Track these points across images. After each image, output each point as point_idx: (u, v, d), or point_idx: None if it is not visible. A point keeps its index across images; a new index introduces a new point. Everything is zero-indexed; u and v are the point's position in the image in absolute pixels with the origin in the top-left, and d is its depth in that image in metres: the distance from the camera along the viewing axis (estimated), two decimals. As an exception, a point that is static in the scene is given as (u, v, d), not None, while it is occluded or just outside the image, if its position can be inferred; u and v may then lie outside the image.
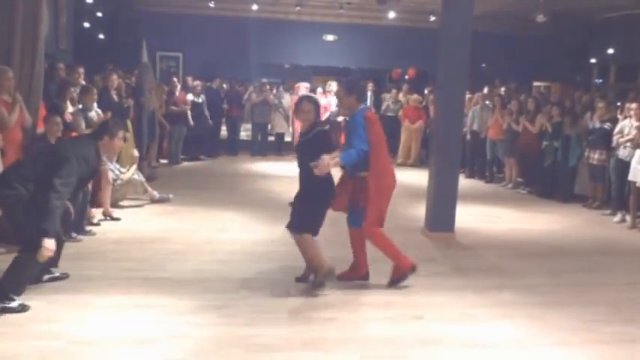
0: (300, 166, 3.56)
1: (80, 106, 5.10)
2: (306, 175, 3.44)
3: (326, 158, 3.27)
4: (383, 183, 3.49)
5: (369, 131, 3.39)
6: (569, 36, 10.68)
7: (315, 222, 3.49)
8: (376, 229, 3.52)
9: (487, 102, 8.48)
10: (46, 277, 3.43)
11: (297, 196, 3.59)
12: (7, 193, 2.99)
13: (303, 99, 3.73)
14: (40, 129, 4.52)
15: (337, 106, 9.89)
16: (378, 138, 3.46)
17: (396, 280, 3.61)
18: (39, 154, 3.37)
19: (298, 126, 10.14)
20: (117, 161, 5.70)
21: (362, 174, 3.50)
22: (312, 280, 3.55)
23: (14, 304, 3.02)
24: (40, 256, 2.89)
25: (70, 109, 5.01)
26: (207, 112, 9.10)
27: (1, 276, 3.05)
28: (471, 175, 8.61)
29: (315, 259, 3.48)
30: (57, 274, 3.50)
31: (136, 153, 6.01)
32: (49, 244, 2.88)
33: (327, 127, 10.53)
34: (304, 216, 3.48)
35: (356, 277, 3.70)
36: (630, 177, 5.66)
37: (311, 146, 3.45)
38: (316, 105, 3.57)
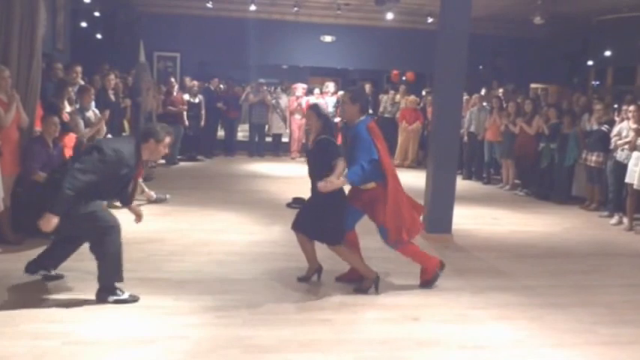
0: (310, 174, 3.56)
1: (77, 106, 5.08)
2: (315, 186, 3.44)
3: (332, 179, 3.26)
4: (395, 188, 3.44)
5: (375, 141, 3.37)
6: (567, 38, 10.71)
7: (339, 229, 3.48)
8: (404, 245, 3.53)
9: (484, 104, 8.50)
10: (42, 272, 3.42)
11: (312, 205, 3.55)
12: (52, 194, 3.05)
13: (308, 108, 3.77)
14: (37, 129, 4.49)
15: (335, 106, 10.03)
16: (382, 148, 3.43)
17: (428, 283, 3.65)
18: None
19: (296, 127, 10.20)
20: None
21: (369, 186, 3.45)
22: (356, 287, 3.56)
23: (125, 296, 3.18)
24: (42, 225, 2.92)
25: (68, 108, 4.99)
26: (203, 112, 9.08)
27: (98, 273, 3.16)
28: (468, 177, 8.63)
29: (360, 267, 3.54)
30: (52, 274, 3.48)
31: None
32: (50, 219, 2.90)
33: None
34: (332, 227, 3.44)
35: (355, 277, 3.68)
36: (627, 179, 5.68)
37: (315, 155, 3.47)
38: (319, 113, 3.54)
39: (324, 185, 3.24)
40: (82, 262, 3.87)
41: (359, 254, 3.65)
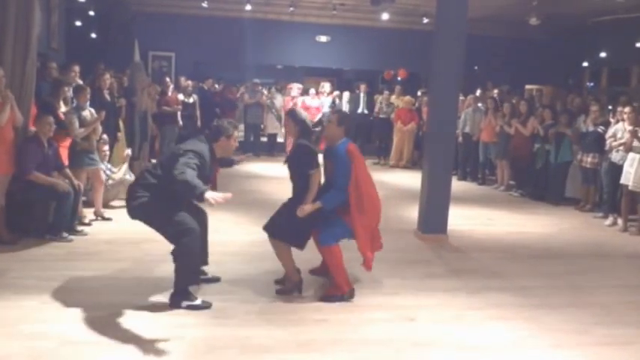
0: (290, 178, 3.57)
1: (74, 105, 5.04)
2: (295, 188, 3.49)
3: (307, 206, 3.28)
4: (365, 220, 3.37)
5: (353, 166, 3.35)
6: (562, 39, 10.78)
7: (296, 233, 3.41)
8: (333, 247, 3.39)
9: (479, 104, 8.53)
10: (201, 277, 3.46)
11: (286, 205, 3.54)
12: (133, 204, 3.15)
13: (285, 114, 3.73)
14: (32, 128, 4.45)
15: (330, 106, 10.03)
16: (362, 172, 3.41)
17: (328, 297, 3.41)
18: (159, 162, 3.40)
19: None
20: (108, 161, 5.65)
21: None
22: (280, 289, 3.51)
23: (198, 302, 3.17)
24: (211, 202, 2.80)
25: (63, 108, 4.95)
26: (198, 113, 9.05)
27: (174, 277, 3.14)
28: (463, 178, 8.66)
29: (288, 267, 3.48)
30: (209, 277, 3.54)
31: (128, 152, 5.96)
32: (209, 195, 2.80)
33: (319, 128, 10.54)
34: (286, 224, 3.41)
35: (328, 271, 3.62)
36: (622, 180, 5.72)
37: (292, 160, 3.48)
38: (295, 118, 3.48)
39: (300, 211, 3.28)
40: (76, 263, 3.86)
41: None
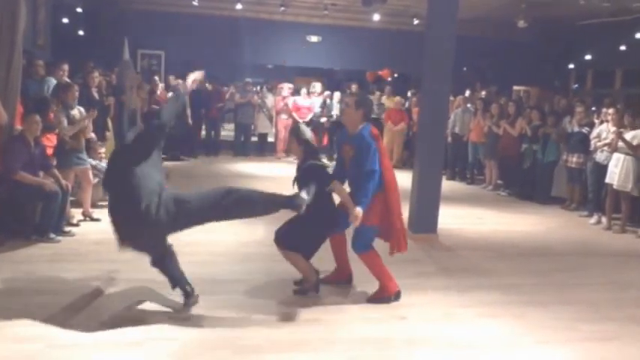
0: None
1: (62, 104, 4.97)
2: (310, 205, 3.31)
3: (357, 211, 3.15)
4: (392, 198, 3.33)
5: (377, 144, 3.27)
6: (549, 42, 10.94)
7: (305, 244, 3.41)
8: (369, 252, 3.42)
9: (469, 105, 8.62)
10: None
11: (299, 218, 3.38)
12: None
13: (288, 132, 3.64)
14: (18, 127, 4.38)
15: (320, 107, 10.04)
16: (385, 158, 3.36)
17: (376, 300, 3.43)
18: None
19: (281, 127, 10.17)
20: (101, 160, 5.59)
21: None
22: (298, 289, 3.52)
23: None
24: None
25: (76, 112, 4.90)
26: (188, 112, 8.98)
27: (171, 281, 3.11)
28: (452, 177, 8.74)
29: (303, 272, 3.49)
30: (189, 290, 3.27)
31: None
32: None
33: (310, 128, 10.52)
34: (296, 236, 3.40)
35: (340, 279, 3.69)
36: (607, 180, 5.83)
37: (304, 182, 3.33)
38: (298, 138, 3.40)
39: (355, 220, 3.17)
40: (64, 264, 3.81)
41: (337, 253, 3.62)
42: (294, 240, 3.39)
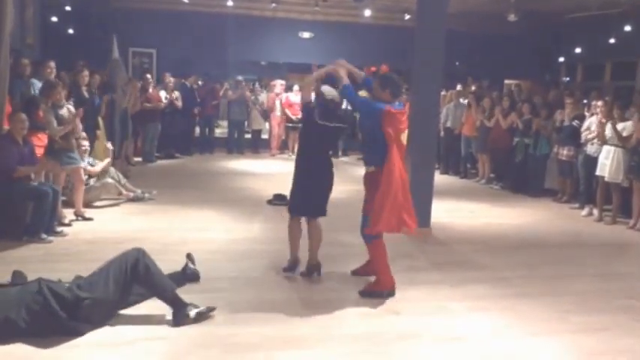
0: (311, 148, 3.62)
1: (50, 103, 4.93)
2: (310, 162, 3.61)
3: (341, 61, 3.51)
4: (392, 177, 3.33)
5: (386, 124, 3.33)
6: (539, 35, 10.98)
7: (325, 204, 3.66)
8: (377, 241, 3.47)
9: (461, 99, 8.64)
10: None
11: (308, 185, 3.62)
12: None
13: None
14: (6, 126, 4.35)
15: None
16: (394, 134, 3.35)
17: (369, 293, 3.45)
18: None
19: (275, 123, 10.16)
20: (89, 155, 5.56)
21: (370, 169, 3.52)
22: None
23: (202, 308, 3.00)
24: None
25: (65, 109, 4.86)
26: (180, 103, 8.95)
27: (162, 299, 2.97)
28: (445, 172, 8.77)
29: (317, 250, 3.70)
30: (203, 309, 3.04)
31: (110, 146, 5.88)
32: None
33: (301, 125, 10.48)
34: (323, 201, 3.63)
35: (370, 272, 3.67)
36: (598, 172, 5.88)
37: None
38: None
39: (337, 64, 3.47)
40: (55, 264, 3.79)
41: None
42: (321, 204, 3.61)
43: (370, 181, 3.52)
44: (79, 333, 2.73)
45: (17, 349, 2.62)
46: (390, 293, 3.47)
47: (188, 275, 3.51)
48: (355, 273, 3.78)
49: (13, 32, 4.98)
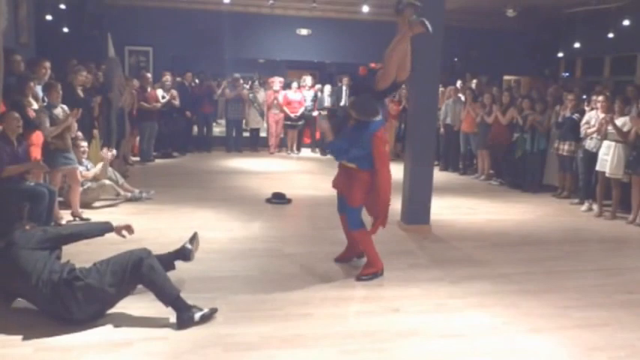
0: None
1: (45, 103, 4.89)
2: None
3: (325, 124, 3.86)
4: (382, 178, 3.60)
5: (376, 149, 3.56)
6: (538, 30, 10.94)
7: None
8: (362, 230, 3.73)
9: (460, 95, 8.61)
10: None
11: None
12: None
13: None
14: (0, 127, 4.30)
15: (312, 100, 9.98)
16: (384, 157, 3.64)
17: (368, 277, 3.69)
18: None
19: (273, 122, 10.12)
20: (87, 159, 5.52)
21: (350, 164, 3.68)
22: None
23: (205, 311, 2.99)
24: None
25: (35, 105, 4.79)
26: (177, 102, 8.91)
27: (161, 301, 2.95)
28: (445, 168, 8.75)
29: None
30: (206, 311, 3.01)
31: (113, 153, 5.73)
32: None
33: (302, 122, 10.45)
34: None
35: (353, 254, 3.96)
36: (598, 167, 5.86)
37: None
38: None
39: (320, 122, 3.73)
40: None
41: (347, 231, 3.94)
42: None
43: (356, 177, 3.67)
44: (73, 317, 2.81)
45: (16, 349, 2.60)
46: (382, 272, 3.74)
47: (179, 254, 3.39)
48: (338, 260, 4.00)
49: (6, 31, 4.93)
